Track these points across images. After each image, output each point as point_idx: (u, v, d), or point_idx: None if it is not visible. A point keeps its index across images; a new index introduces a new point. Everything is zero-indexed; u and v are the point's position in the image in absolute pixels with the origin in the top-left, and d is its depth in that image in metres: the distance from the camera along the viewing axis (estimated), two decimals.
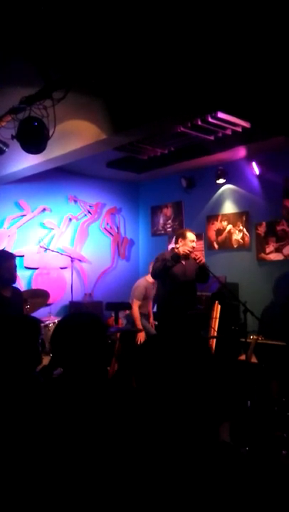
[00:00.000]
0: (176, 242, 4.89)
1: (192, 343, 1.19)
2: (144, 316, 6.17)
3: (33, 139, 3.77)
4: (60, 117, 3.84)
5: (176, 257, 4.72)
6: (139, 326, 5.84)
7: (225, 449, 1.26)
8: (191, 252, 4.69)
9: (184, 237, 4.81)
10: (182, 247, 4.74)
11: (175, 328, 4.80)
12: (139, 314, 5.91)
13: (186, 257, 4.73)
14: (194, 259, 4.72)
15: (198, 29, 2.89)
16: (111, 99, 4.11)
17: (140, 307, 6.05)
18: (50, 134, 3.73)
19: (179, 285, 4.77)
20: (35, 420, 1.46)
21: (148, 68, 3.37)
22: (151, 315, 6.33)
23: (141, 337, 5.82)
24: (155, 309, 5.82)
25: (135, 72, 3.46)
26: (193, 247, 4.82)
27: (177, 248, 4.84)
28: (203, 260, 4.74)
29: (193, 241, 4.81)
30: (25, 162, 5.24)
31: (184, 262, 4.78)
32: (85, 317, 1.72)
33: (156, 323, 6.06)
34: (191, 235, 4.82)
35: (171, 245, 7.48)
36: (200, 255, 4.81)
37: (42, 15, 2.73)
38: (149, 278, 6.16)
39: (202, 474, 1.20)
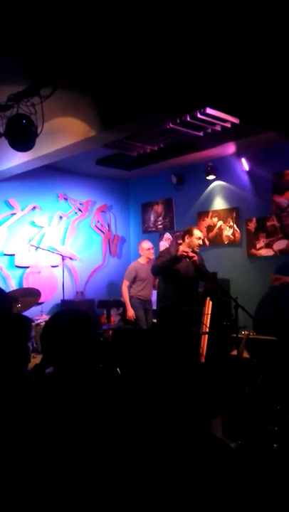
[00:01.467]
0: (183, 239, 4.92)
1: (179, 340, 1.20)
2: (143, 302, 6.19)
3: (22, 137, 3.74)
4: (49, 114, 3.83)
5: (174, 260, 4.73)
6: (127, 304, 6.12)
7: (215, 443, 1.26)
8: (188, 252, 4.70)
9: (190, 234, 4.86)
10: (183, 248, 4.75)
11: (165, 324, 4.83)
12: (127, 294, 6.16)
13: (188, 256, 4.73)
14: (187, 256, 4.73)
15: (187, 25, 2.88)
16: (99, 95, 4.09)
17: (138, 289, 6.19)
18: (39, 131, 3.71)
19: (179, 281, 4.80)
20: (27, 419, 1.46)
21: (136, 64, 3.35)
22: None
23: (130, 314, 6.08)
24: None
25: (124, 68, 3.45)
26: (200, 245, 4.86)
27: (181, 244, 4.89)
28: (195, 258, 4.74)
29: (199, 238, 4.88)
30: (14, 160, 5.20)
31: (188, 260, 4.79)
32: (73, 315, 1.71)
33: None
34: (197, 233, 4.89)
35: (163, 242, 7.51)
36: (189, 252, 4.81)
37: (29, 10, 2.70)
38: (142, 260, 6.27)
39: (195, 468, 1.20)
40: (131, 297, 6.20)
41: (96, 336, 1.70)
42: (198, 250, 4.87)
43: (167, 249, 5.13)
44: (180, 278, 4.81)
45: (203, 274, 4.90)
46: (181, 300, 4.78)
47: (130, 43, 3.09)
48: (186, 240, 4.87)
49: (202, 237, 4.98)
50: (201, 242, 4.92)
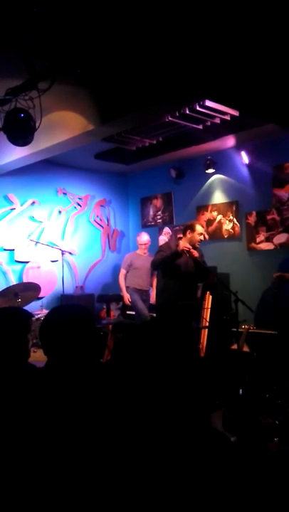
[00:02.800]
0: (184, 234, 4.90)
1: (179, 334, 1.19)
2: (139, 292, 6.24)
3: (20, 131, 3.72)
4: (47, 108, 3.80)
5: (175, 255, 4.72)
6: (123, 290, 6.40)
7: (215, 436, 1.26)
8: (189, 248, 4.68)
9: (192, 229, 4.83)
10: (183, 244, 4.73)
11: (164, 318, 4.82)
12: (123, 281, 6.47)
13: (188, 252, 4.71)
14: (186, 251, 4.71)
15: (185, 18, 2.86)
16: (97, 89, 4.06)
17: (134, 278, 6.33)
18: (37, 125, 3.69)
19: (179, 276, 4.78)
20: (27, 415, 1.45)
21: (134, 57, 3.32)
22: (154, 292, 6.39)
23: (125, 298, 6.35)
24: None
25: (121, 61, 3.42)
26: (201, 240, 4.85)
27: (182, 238, 4.88)
28: (196, 255, 4.73)
29: (201, 234, 4.87)
30: (12, 155, 5.19)
31: (187, 255, 4.77)
32: (72, 309, 1.70)
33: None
34: (200, 228, 4.87)
35: (161, 236, 7.50)
36: (192, 250, 4.80)
37: (26, 3, 2.67)
38: (139, 251, 6.36)
39: (194, 461, 1.20)
40: (127, 287, 6.38)
41: (95, 330, 1.69)
42: (198, 246, 4.85)
43: (167, 244, 5.11)
44: (180, 273, 4.79)
45: (203, 270, 4.87)
46: (181, 294, 4.77)
47: (128, 36, 3.06)
48: (188, 235, 4.84)
49: (204, 233, 4.97)
50: (202, 237, 4.91)
